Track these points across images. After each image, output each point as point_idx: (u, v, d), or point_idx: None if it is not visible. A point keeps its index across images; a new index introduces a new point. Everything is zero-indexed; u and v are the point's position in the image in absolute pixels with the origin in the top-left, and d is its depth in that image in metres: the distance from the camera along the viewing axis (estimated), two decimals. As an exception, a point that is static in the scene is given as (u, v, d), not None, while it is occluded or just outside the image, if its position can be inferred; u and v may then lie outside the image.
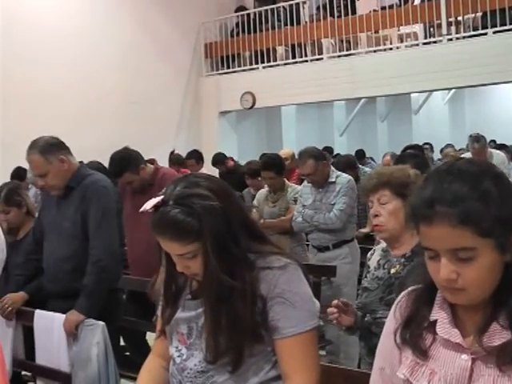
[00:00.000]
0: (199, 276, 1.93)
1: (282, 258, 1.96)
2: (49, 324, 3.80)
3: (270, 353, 1.96)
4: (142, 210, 1.89)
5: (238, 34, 13.28)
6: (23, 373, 4.48)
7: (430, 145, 14.10)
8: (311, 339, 1.95)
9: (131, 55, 11.81)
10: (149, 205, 1.87)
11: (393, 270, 2.81)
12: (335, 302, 2.76)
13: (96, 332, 3.59)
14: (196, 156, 9.62)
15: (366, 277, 2.99)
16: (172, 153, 10.07)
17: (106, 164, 5.35)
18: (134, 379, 4.41)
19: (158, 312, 2.14)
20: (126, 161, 4.75)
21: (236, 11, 13.63)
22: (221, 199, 1.88)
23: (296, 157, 7.44)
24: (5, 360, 3.41)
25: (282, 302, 1.90)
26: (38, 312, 3.89)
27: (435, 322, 1.52)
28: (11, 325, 4.07)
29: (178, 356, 2.02)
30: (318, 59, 12.23)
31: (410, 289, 1.64)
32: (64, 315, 3.70)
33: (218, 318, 1.90)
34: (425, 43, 11.33)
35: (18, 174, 8.64)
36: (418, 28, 11.66)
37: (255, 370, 1.95)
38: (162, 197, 1.87)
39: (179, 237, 1.85)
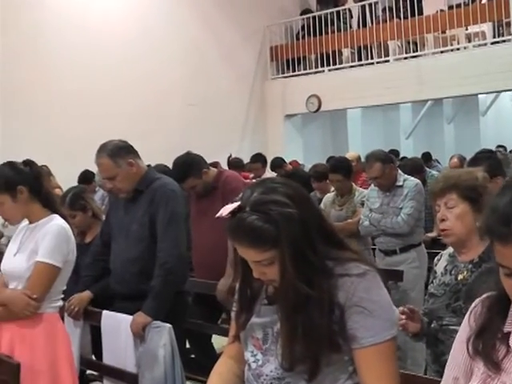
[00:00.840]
0: (276, 282, 1.91)
1: (360, 265, 1.92)
2: (116, 325, 3.85)
3: (347, 362, 1.92)
4: (218, 215, 1.88)
5: (303, 36, 13.26)
6: (90, 372, 4.55)
7: (504, 147, 13.72)
8: (390, 349, 1.90)
9: (195, 59, 11.91)
10: (225, 211, 1.86)
11: (460, 277, 2.75)
12: (402, 308, 2.72)
13: (163, 334, 3.62)
14: (262, 160, 9.63)
15: (432, 282, 2.94)
16: (229, 157, 10.11)
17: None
18: (200, 382, 4.47)
19: (232, 317, 2.12)
20: (188, 166, 4.77)
21: (301, 14, 13.62)
22: (298, 205, 1.85)
23: (362, 160, 7.38)
24: (73, 360, 3.50)
25: (361, 310, 1.86)
26: (105, 313, 3.95)
27: (509, 333, 1.47)
28: (79, 325, 4.15)
29: (254, 361, 2.00)
30: (384, 61, 12.13)
31: (484, 296, 1.59)
32: (131, 316, 3.75)
33: (294, 326, 1.87)
34: (493, 43, 11.11)
35: (85, 176, 8.79)
36: (486, 27, 11.45)
37: (331, 380, 1.92)
38: (238, 203, 1.86)
39: (256, 244, 1.83)
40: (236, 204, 1.86)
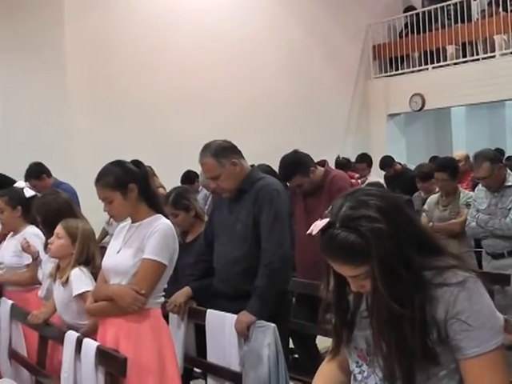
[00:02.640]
0: None
1: (459, 272, 1.85)
2: (220, 323, 3.87)
3: (451, 373, 1.87)
4: (308, 233, 1.85)
5: (406, 34, 13.05)
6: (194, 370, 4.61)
7: None
8: (497, 358, 1.82)
9: (298, 58, 11.90)
10: (316, 228, 1.83)
11: None
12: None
13: (267, 333, 3.61)
14: (367, 160, 9.54)
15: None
16: (337, 158, 10.05)
17: (274, 167, 5.42)
18: (303, 382, 4.45)
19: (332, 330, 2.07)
20: (296, 164, 4.78)
21: (405, 11, 13.40)
22: (389, 219, 1.80)
23: (470, 159, 7.19)
24: (176, 356, 3.55)
25: (462, 321, 1.80)
26: (210, 311, 3.97)
27: None
28: (183, 323, 4.20)
29: (359, 373, 1.98)
30: (489, 57, 11.76)
31: None
32: (235, 315, 3.76)
33: (387, 342, 1.83)
34: None
35: (188, 176, 8.92)
36: None
37: None
38: (327, 219, 1.82)
39: (349, 260, 1.80)
40: (325, 221, 1.82)
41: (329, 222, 1.82)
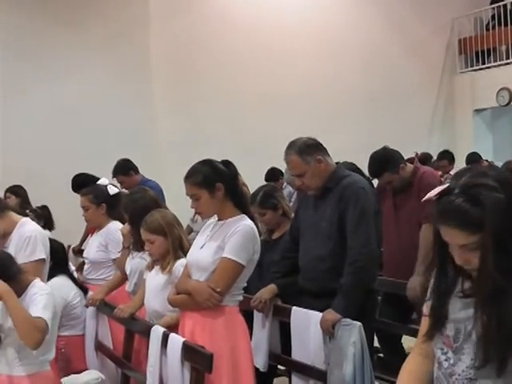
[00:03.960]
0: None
1: None
2: (305, 321, 3.86)
3: None
4: (426, 198, 1.87)
5: (493, 27, 12.69)
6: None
7: None
8: None
9: (380, 55, 11.73)
10: (434, 192, 1.85)
11: None
12: None
13: (353, 332, 3.58)
14: (448, 156, 9.37)
15: None
16: (416, 155, 9.86)
17: (359, 165, 5.37)
18: (388, 381, 4.39)
19: (424, 313, 2.05)
20: (385, 160, 4.73)
21: (491, 3, 13.05)
22: (508, 192, 1.80)
23: None
24: (252, 353, 3.55)
25: None
26: (295, 309, 3.96)
27: None
28: (268, 320, 4.20)
29: (445, 360, 1.95)
30: None
31: None
32: (320, 313, 3.75)
33: (488, 319, 1.81)
34: None
35: (272, 173, 8.93)
36: None
37: None
38: (447, 185, 1.84)
39: (463, 226, 1.79)
40: (445, 186, 1.84)
41: (448, 188, 1.83)
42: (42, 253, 3.66)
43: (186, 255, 3.87)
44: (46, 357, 3.21)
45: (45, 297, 3.25)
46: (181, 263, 3.97)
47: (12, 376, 3.22)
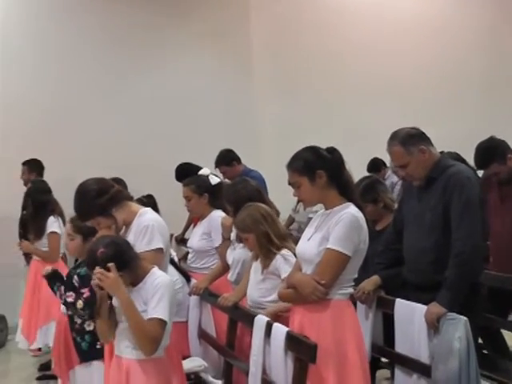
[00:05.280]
0: None
1: None
2: (409, 314, 3.81)
3: None
4: None
5: None
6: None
7: None
8: None
9: (488, 37, 11.28)
10: None
11: None
12: None
13: (458, 326, 3.50)
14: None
15: None
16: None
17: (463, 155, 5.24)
18: (492, 380, 4.28)
19: None
20: (492, 151, 4.62)
21: None
22: None
23: None
24: (362, 347, 3.50)
25: None
26: (398, 301, 3.92)
27: None
28: (371, 311, 4.18)
29: None
30: None
31: None
32: (425, 306, 3.69)
33: None
34: None
35: (375, 164, 8.84)
36: None
37: None
38: None
39: None
40: None
41: None
42: (160, 242, 3.67)
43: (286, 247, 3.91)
44: (161, 344, 3.26)
45: (162, 290, 3.24)
46: (282, 256, 4.01)
47: (127, 359, 3.30)
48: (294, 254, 3.79)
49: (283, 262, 4.01)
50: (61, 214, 6.36)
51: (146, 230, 3.67)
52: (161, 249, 3.69)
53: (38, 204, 6.34)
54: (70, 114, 8.79)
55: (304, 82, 10.13)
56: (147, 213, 3.83)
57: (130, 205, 3.86)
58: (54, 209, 6.32)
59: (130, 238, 3.64)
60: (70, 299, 4.18)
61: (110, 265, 3.14)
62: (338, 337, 3.35)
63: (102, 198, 3.71)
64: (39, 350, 6.68)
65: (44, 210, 6.34)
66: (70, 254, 4.69)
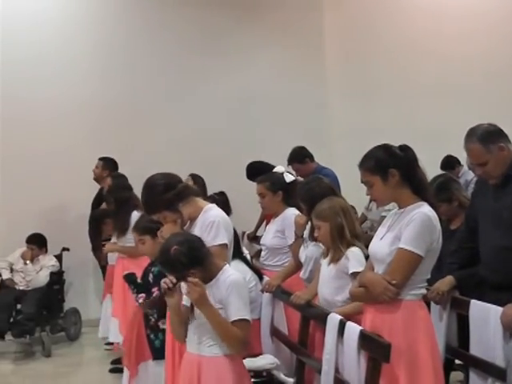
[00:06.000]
0: None
1: None
2: (485, 315, 3.73)
3: None
4: None
5: None
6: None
7: None
8: None
9: None
10: None
11: None
12: None
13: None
14: None
15: None
16: None
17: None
18: None
19: None
20: None
21: None
22: None
23: None
24: (436, 349, 3.45)
25: None
26: (473, 302, 3.85)
27: None
28: (446, 312, 4.12)
29: None
30: None
31: None
32: (501, 308, 3.60)
33: None
34: None
35: (448, 162, 8.69)
36: None
37: None
38: None
39: None
40: None
41: None
42: (225, 238, 3.71)
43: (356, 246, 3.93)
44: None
45: (239, 289, 3.28)
46: (353, 250, 3.99)
47: (199, 356, 3.33)
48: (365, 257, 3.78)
49: (351, 259, 3.99)
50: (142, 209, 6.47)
51: (211, 225, 3.73)
52: (225, 244, 3.74)
53: (120, 200, 6.45)
54: (146, 115, 9.01)
55: (377, 79, 10.03)
56: (212, 209, 3.88)
57: (196, 200, 3.92)
58: (137, 204, 6.42)
59: (196, 233, 3.69)
60: (141, 300, 4.27)
61: (195, 280, 3.17)
62: (409, 337, 3.32)
63: (169, 193, 3.78)
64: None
65: (127, 206, 6.43)
66: (149, 257, 4.80)
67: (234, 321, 3.23)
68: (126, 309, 6.23)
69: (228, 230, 3.80)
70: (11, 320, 7.38)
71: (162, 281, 3.30)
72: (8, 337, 7.25)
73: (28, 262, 7.69)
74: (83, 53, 8.77)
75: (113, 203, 6.53)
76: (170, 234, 3.63)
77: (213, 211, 3.84)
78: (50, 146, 8.41)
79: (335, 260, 4.08)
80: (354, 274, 3.86)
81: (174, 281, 3.24)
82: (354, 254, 4.01)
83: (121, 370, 6.23)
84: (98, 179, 7.70)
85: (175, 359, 3.83)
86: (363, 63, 10.05)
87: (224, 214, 3.88)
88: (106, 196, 6.89)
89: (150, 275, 4.34)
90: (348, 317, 3.76)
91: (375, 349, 3.32)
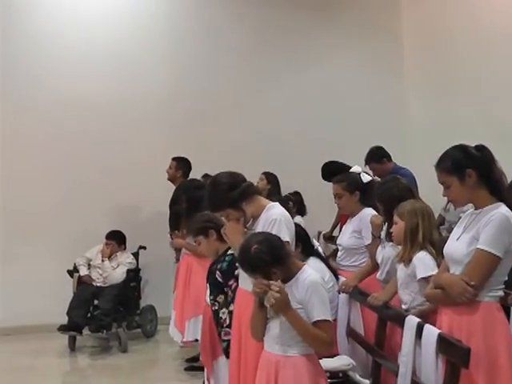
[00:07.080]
0: None
1: None
2: None
3: None
4: None
5: None
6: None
7: None
8: None
9: None
10: None
11: None
12: None
13: None
14: None
15: None
16: None
17: None
18: None
19: None
20: None
21: None
22: None
23: None
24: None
25: None
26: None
27: None
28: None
29: None
30: None
31: None
32: None
33: None
34: None
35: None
36: None
37: None
38: None
39: None
40: None
41: None
42: (287, 236, 3.70)
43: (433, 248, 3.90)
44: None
45: (319, 290, 3.26)
46: (418, 255, 3.94)
47: (277, 355, 3.33)
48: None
49: (418, 264, 3.96)
50: None
51: (273, 223, 3.73)
52: (287, 242, 3.72)
53: (193, 199, 6.51)
54: (221, 115, 9.05)
55: (455, 79, 9.85)
56: (275, 207, 3.90)
57: (259, 199, 3.95)
58: None
59: (258, 230, 3.71)
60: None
61: (278, 284, 3.16)
62: (488, 340, 3.26)
63: (233, 192, 3.83)
64: (196, 340, 6.83)
65: (198, 206, 6.47)
66: (208, 257, 4.86)
67: (316, 322, 3.22)
68: (184, 303, 6.36)
69: (290, 228, 3.80)
70: (88, 315, 7.55)
71: (254, 287, 3.25)
72: (85, 331, 7.41)
73: (105, 258, 7.85)
74: (165, 53, 8.92)
75: (185, 202, 6.59)
76: (232, 231, 3.78)
77: (275, 209, 3.85)
78: (130, 147, 8.60)
79: (404, 260, 4.06)
80: (426, 279, 3.84)
81: (265, 281, 3.19)
82: (419, 259, 3.98)
83: (196, 369, 6.35)
84: (172, 179, 7.77)
85: (241, 356, 3.84)
86: (442, 62, 9.86)
87: (286, 212, 3.89)
88: (178, 195, 6.96)
89: (217, 273, 4.35)
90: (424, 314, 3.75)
91: (454, 353, 3.26)
